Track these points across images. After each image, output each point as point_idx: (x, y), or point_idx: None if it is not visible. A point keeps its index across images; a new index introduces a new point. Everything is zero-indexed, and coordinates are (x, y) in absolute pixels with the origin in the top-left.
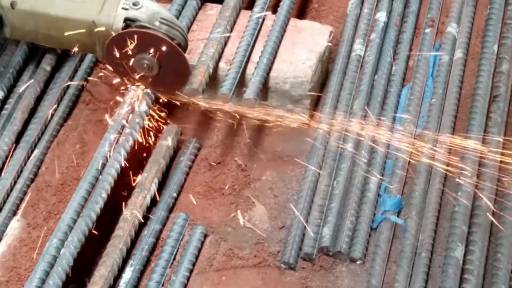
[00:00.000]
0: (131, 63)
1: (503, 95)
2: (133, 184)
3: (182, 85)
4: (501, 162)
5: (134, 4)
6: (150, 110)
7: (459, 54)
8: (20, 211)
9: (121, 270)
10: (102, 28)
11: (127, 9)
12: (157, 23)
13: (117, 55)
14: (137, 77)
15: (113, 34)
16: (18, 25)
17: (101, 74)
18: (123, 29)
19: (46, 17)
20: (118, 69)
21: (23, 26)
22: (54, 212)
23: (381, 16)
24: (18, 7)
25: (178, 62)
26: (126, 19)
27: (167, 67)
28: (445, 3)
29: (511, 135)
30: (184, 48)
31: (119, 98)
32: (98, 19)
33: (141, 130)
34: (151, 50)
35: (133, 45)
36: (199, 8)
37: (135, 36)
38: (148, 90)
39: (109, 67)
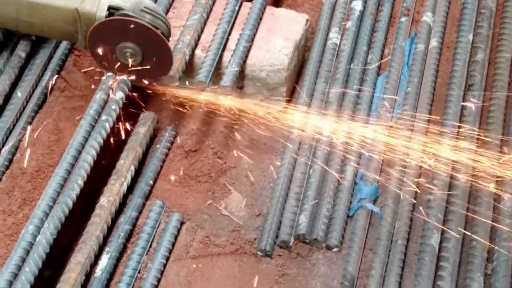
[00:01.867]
0: (113, 52)
1: (478, 84)
2: None
3: (164, 74)
4: (475, 152)
5: None
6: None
7: (434, 43)
8: None
9: (97, 257)
10: (85, 16)
11: None
12: (140, 12)
13: (100, 44)
14: (119, 66)
15: (97, 22)
16: None
17: (76, 61)
18: (106, 17)
19: (28, 4)
20: (100, 58)
21: (4, 13)
22: (29, 199)
23: (357, 4)
24: None
25: (161, 51)
26: (109, 7)
27: (150, 56)
28: None
29: (485, 124)
30: (167, 37)
31: (94, 85)
32: (81, 7)
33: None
34: (134, 39)
35: (116, 33)
36: None
37: (119, 25)
38: (125, 77)
39: (91, 56)
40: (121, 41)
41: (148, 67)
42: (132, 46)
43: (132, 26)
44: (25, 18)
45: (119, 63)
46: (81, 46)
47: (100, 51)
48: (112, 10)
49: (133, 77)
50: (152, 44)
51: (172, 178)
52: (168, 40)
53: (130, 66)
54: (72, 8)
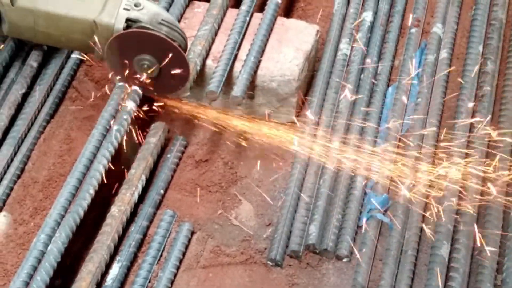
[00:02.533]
0: (131, 63)
1: (488, 95)
2: None
3: (181, 87)
4: (485, 163)
5: (135, 5)
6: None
7: (444, 54)
8: (6, 207)
9: (108, 266)
10: (103, 28)
11: (128, 10)
12: (158, 25)
13: (117, 55)
14: (137, 77)
15: (114, 34)
16: (16, 22)
17: (87, 71)
18: (124, 29)
19: (46, 15)
20: (117, 70)
21: (22, 24)
22: (41, 208)
23: (367, 15)
24: (18, 4)
25: (178, 63)
26: (127, 20)
27: (167, 68)
28: (430, 4)
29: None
30: (184, 50)
31: (105, 95)
32: (99, 19)
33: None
34: (152, 51)
35: (134, 45)
36: (187, 6)
37: (136, 37)
38: (136, 87)
39: (108, 67)
40: (139, 53)
41: (165, 79)
42: (149, 58)
43: (149, 38)
44: (42, 29)
45: (136, 75)
46: (98, 57)
47: (117, 63)
48: (130, 22)
49: (149, 89)
50: (168, 56)
51: (183, 187)
52: (185, 52)
53: (147, 78)
54: (90, 19)
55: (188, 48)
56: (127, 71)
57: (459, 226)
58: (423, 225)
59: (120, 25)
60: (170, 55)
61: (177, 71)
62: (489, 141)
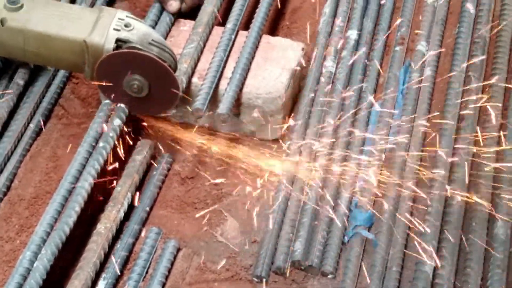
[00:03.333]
0: (121, 83)
1: (471, 112)
2: None
3: (170, 107)
4: (469, 181)
5: (126, 26)
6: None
7: (428, 71)
8: None
9: (94, 283)
10: (93, 48)
11: (119, 30)
12: (148, 45)
13: (107, 75)
14: (126, 97)
15: (105, 54)
16: (6, 42)
17: (74, 88)
18: (114, 49)
19: (36, 35)
20: (107, 89)
21: (11, 43)
22: (27, 225)
23: (352, 33)
24: (8, 24)
25: (168, 83)
26: (117, 40)
27: (157, 88)
28: (414, 22)
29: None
30: (174, 70)
31: (92, 113)
32: (89, 39)
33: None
34: (142, 72)
35: (124, 66)
36: (172, 24)
37: (126, 57)
38: (122, 105)
39: (98, 87)
40: (129, 73)
41: (154, 99)
42: (139, 78)
43: (139, 58)
44: (32, 49)
45: (125, 95)
46: (87, 77)
47: (107, 83)
48: (120, 42)
49: (138, 108)
50: (159, 76)
51: (169, 204)
52: (175, 73)
53: (136, 97)
54: (81, 39)
55: None
56: (117, 91)
57: (443, 243)
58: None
59: (110, 45)
60: (160, 75)
61: (167, 91)
62: (472, 158)
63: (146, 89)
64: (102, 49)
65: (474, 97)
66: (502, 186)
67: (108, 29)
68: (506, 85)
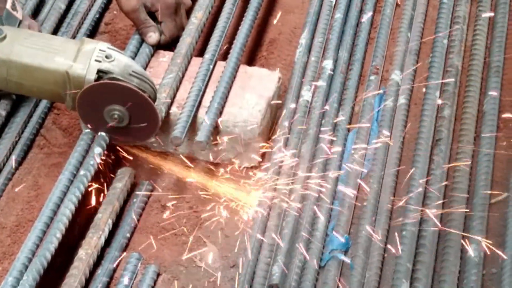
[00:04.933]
0: (101, 113)
1: (445, 139)
2: None
3: (150, 137)
4: (443, 205)
5: (106, 57)
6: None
7: (402, 100)
8: None
9: None
10: (75, 79)
11: (100, 61)
12: (128, 76)
13: (88, 106)
14: (107, 127)
15: (86, 85)
16: None
17: (55, 119)
18: (95, 80)
19: (19, 66)
20: (88, 119)
21: None
22: (9, 253)
23: (328, 63)
24: None
25: (148, 114)
26: (99, 71)
27: (137, 118)
28: (389, 52)
29: (452, 178)
30: (154, 100)
31: (72, 143)
32: (71, 70)
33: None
34: (122, 102)
35: (105, 96)
36: (152, 55)
37: (108, 88)
38: (102, 133)
39: (80, 117)
40: (109, 103)
41: (135, 129)
42: (119, 108)
43: (120, 89)
44: (15, 79)
45: (106, 125)
46: (68, 107)
47: (88, 112)
48: (101, 73)
49: (118, 138)
50: (139, 107)
51: (149, 231)
52: (154, 103)
53: (117, 128)
54: (63, 70)
55: None
56: (97, 120)
57: (417, 265)
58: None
59: (91, 76)
60: (141, 106)
61: (147, 121)
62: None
63: (126, 119)
64: (84, 80)
65: (447, 124)
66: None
67: (89, 60)
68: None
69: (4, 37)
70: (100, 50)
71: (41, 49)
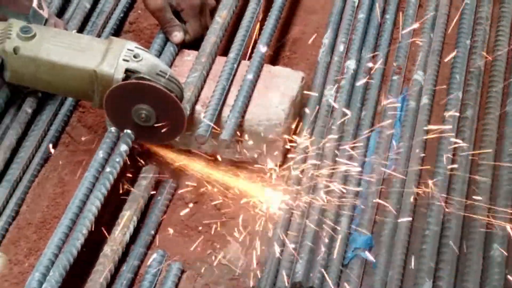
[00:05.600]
0: (129, 113)
1: (467, 139)
2: None
3: (176, 136)
4: (465, 207)
5: (134, 56)
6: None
7: (425, 100)
8: (1, 248)
9: None
10: (103, 78)
11: (127, 61)
12: (156, 76)
13: (116, 105)
14: (133, 126)
15: (114, 84)
16: (18, 70)
17: (80, 117)
18: (123, 79)
19: (48, 63)
20: (115, 118)
21: (23, 71)
22: (35, 249)
23: (351, 64)
24: (21, 53)
25: (175, 113)
26: (126, 70)
27: (164, 118)
28: (411, 52)
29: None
30: (180, 100)
31: (98, 140)
32: (99, 69)
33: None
34: (150, 102)
35: (133, 96)
36: (176, 54)
37: (135, 87)
38: (128, 131)
39: (107, 116)
40: (137, 103)
41: (161, 128)
42: (147, 108)
43: (148, 89)
44: (43, 77)
45: (133, 123)
46: (95, 105)
47: (115, 111)
48: (129, 72)
49: (145, 138)
50: (166, 106)
51: (173, 228)
52: (181, 102)
53: (143, 126)
54: (91, 69)
55: None
56: (124, 119)
57: (440, 264)
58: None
59: (119, 75)
60: (167, 105)
61: (173, 121)
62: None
63: (153, 118)
64: (112, 79)
65: (470, 124)
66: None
67: (117, 60)
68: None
69: (34, 36)
70: (128, 49)
71: (69, 48)
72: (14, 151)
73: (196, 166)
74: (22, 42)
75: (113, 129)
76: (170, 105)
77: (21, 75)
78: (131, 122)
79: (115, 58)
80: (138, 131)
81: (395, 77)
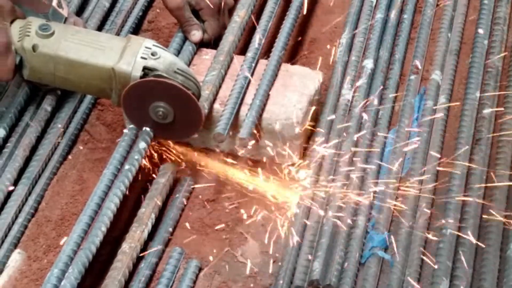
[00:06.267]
0: (146, 110)
1: (485, 139)
2: None
3: (193, 134)
4: (483, 206)
5: (152, 54)
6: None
7: (442, 99)
8: (21, 245)
9: None
10: (121, 76)
11: (145, 59)
12: (173, 73)
13: (134, 102)
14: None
15: (132, 81)
16: (37, 67)
17: (99, 115)
18: (141, 77)
19: (66, 61)
20: (133, 116)
21: (42, 69)
22: (54, 246)
23: (368, 63)
24: (40, 51)
25: (192, 111)
26: (144, 68)
27: (181, 115)
28: (429, 52)
29: (491, 178)
30: (198, 98)
31: (116, 138)
32: (117, 67)
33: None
34: (167, 99)
35: (150, 93)
36: (195, 53)
37: (153, 85)
38: (147, 129)
39: (125, 113)
40: (154, 100)
41: (179, 125)
42: (164, 105)
43: (165, 87)
44: (62, 74)
45: (150, 121)
46: (114, 103)
47: (133, 109)
48: (146, 70)
49: (162, 135)
50: (183, 104)
51: (191, 226)
52: (198, 100)
53: (160, 124)
54: (109, 67)
55: None
56: (142, 117)
57: (457, 263)
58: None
59: (137, 73)
60: (185, 103)
61: (191, 118)
62: (486, 183)
63: (171, 115)
64: (130, 77)
65: (487, 124)
66: None
67: (135, 58)
68: None
69: (52, 33)
70: (146, 47)
71: (88, 45)
72: (34, 149)
73: (214, 164)
74: (40, 40)
75: (132, 126)
76: (187, 103)
77: (40, 72)
78: (149, 120)
79: (133, 56)
80: (156, 128)
81: (412, 77)
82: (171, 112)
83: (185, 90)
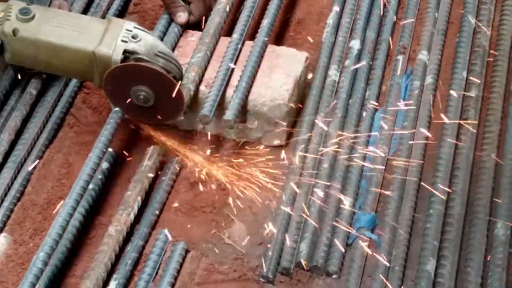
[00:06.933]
0: (127, 93)
1: (472, 118)
2: None
3: (175, 117)
4: (470, 183)
5: (133, 37)
6: None
7: (429, 79)
8: (7, 229)
9: (105, 283)
10: (101, 59)
11: (126, 42)
12: (154, 56)
13: (115, 86)
14: (133, 107)
15: (112, 65)
16: (18, 51)
17: (85, 98)
18: (121, 61)
19: (47, 45)
20: (114, 99)
21: (23, 53)
22: (40, 229)
23: (355, 43)
24: (20, 35)
25: (173, 95)
26: (125, 51)
27: (163, 99)
28: (416, 32)
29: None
30: (179, 80)
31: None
32: (98, 50)
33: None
34: (148, 83)
35: (130, 77)
36: (180, 35)
37: (133, 69)
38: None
39: (107, 96)
40: (135, 84)
41: (160, 108)
42: (145, 89)
43: (146, 70)
44: (44, 58)
45: (132, 104)
46: (96, 85)
47: (114, 93)
48: (127, 53)
49: (146, 117)
50: (164, 88)
51: (178, 208)
52: (180, 82)
53: (143, 107)
54: (89, 50)
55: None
56: (124, 100)
57: (444, 243)
58: None
59: (117, 56)
60: (165, 86)
61: (172, 102)
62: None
63: (152, 99)
64: (110, 60)
65: (474, 103)
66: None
67: (116, 41)
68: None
69: (33, 17)
70: (126, 30)
71: (68, 29)
72: (19, 133)
73: (200, 146)
74: (21, 24)
75: (117, 109)
76: (167, 86)
77: (22, 56)
78: (131, 103)
79: (113, 39)
80: (139, 111)
81: (399, 57)
82: (152, 96)
83: (165, 74)
